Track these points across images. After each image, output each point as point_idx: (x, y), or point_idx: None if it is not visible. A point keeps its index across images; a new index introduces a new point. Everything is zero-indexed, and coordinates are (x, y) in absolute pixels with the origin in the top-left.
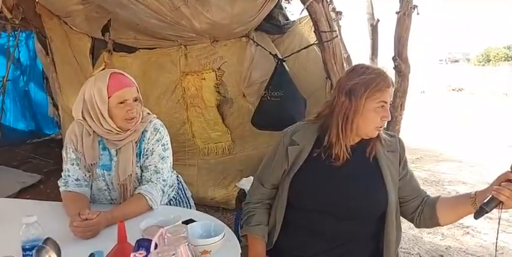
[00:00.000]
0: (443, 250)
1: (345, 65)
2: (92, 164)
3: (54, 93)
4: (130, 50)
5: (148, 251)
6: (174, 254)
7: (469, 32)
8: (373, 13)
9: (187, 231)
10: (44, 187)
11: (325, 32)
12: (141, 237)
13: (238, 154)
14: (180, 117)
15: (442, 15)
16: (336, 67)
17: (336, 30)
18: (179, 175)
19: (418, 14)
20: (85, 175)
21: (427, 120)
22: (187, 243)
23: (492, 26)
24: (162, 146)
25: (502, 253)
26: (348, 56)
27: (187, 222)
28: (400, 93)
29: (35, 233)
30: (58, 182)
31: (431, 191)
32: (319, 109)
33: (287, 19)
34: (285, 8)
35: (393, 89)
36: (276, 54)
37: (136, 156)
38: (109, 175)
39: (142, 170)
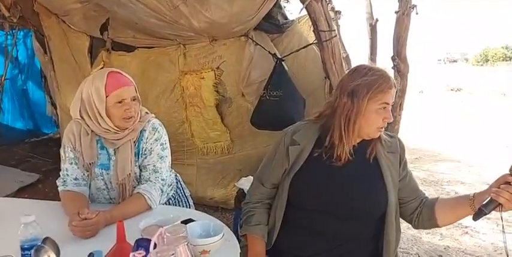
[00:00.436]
0: (442, 250)
1: (343, 64)
2: (90, 164)
3: (53, 92)
4: (129, 49)
5: (147, 251)
6: (173, 254)
7: (468, 32)
8: (372, 13)
9: (187, 231)
10: (42, 186)
11: (324, 31)
12: (140, 237)
13: (237, 154)
14: (179, 117)
15: (440, 15)
16: (334, 67)
17: (335, 30)
18: (178, 174)
19: (417, 13)
20: (83, 174)
21: (426, 120)
22: (186, 243)
23: (490, 26)
24: (160, 145)
25: (501, 253)
26: (347, 56)
27: (186, 222)
28: (399, 93)
29: (33, 233)
30: (56, 181)
31: (430, 191)
32: (320, 109)
33: (286, 18)
34: (284, 7)
35: (395, 91)
36: (275, 54)
37: (135, 155)
38: (107, 174)
39: (141, 170)
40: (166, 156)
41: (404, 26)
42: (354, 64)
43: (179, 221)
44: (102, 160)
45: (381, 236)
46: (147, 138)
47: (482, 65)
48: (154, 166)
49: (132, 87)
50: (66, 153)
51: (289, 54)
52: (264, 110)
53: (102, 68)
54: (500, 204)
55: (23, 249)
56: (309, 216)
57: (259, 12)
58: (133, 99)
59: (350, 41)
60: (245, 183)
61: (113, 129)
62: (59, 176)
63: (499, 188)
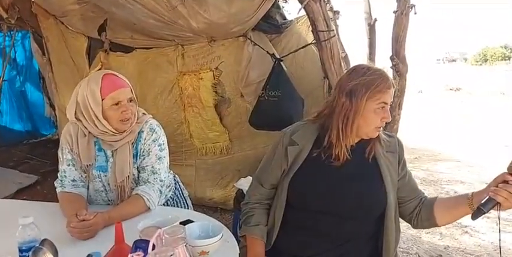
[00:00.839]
0: (442, 250)
1: (342, 64)
2: (87, 165)
3: (51, 93)
4: (127, 49)
5: (146, 252)
6: (172, 255)
7: (466, 32)
8: (370, 12)
9: (185, 232)
10: (41, 188)
11: (323, 31)
12: (139, 238)
13: (236, 154)
14: (178, 118)
15: (439, 14)
16: (333, 67)
17: (333, 30)
18: (176, 175)
19: (415, 13)
20: (81, 176)
21: (425, 120)
22: (185, 244)
23: (489, 25)
24: (158, 146)
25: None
26: (346, 56)
27: (185, 223)
28: (398, 92)
29: (31, 234)
30: (54, 182)
31: (430, 191)
32: (318, 109)
33: (284, 18)
34: (283, 7)
35: (393, 90)
36: (273, 54)
37: (133, 157)
38: (105, 176)
39: (139, 171)
40: (164, 157)
41: (403, 25)
42: (352, 64)
43: (178, 222)
44: (99, 162)
45: (381, 236)
46: (144, 139)
47: (481, 64)
48: (152, 167)
49: (128, 89)
50: (64, 154)
51: (288, 54)
52: (263, 110)
53: (100, 69)
54: (498, 203)
55: (21, 251)
56: (308, 216)
57: (258, 12)
58: (130, 101)
59: (349, 41)
60: (244, 183)
61: (111, 131)
62: (57, 177)
63: (497, 187)
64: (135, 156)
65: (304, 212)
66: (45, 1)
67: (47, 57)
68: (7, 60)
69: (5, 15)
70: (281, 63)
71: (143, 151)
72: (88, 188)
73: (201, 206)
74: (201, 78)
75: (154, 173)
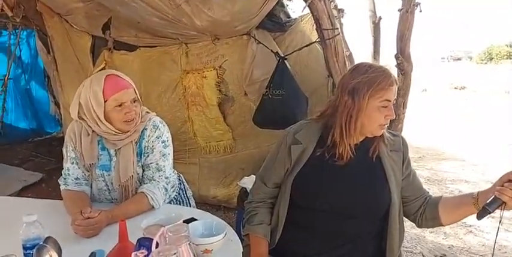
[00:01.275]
0: (446, 249)
1: (346, 63)
2: (90, 164)
3: (56, 91)
4: (131, 48)
5: (149, 250)
6: (175, 254)
7: (471, 30)
8: (375, 11)
9: (189, 230)
10: (46, 186)
11: (327, 29)
12: (142, 236)
13: (240, 153)
14: (181, 116)
15: (444, 13)
16: (337, 65)
17: (337, 28)
18: (181, 175)
19: (420, 11)
20: (84, 174)
21: (429, 118)
22: (188, 242)
23: (494, 23)
24: (162, 142)
25: (505, 252)
26: (350, 54)
27: (188, 221)
28: (403, 91)
29: (35, 232)
30: (58, 180)
31: (434, 190)
32: (322, 108)
33: (288, 17)
34: (287, 5)
35: (397, 88)
36: (277, 52)
37: (137, 155)
38: (108, 175)
39: (143, 169)
40: (168, 153)
41: (408, 23)
42: (356, 62)
43: (181, 221)
44: (103, 161)
45: (385, 235)
46: (148, 136)
47: (486, 63)
48: (157, 164)
49: (131, 90)
50: (68, 152)
51: (292, 52)
52: (267, 108)
53: (104, 67)
54: (504, 202)
55: (25, 248)
56: (312, 215)
57: (262, 10)
58: (134, 102)
59: (353, 39)
60: (248, 182)
61: (114, 131)
62: (62, 175)
63: (502, 186)
64: (139, 154)
65: (308, 211)
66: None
67: (51, 56)
68: (12, 58)
69: (10, 14)
70: (285, 61)
71: (147, 149)
72: (91, 187)
73: (204, 204)
74: (205, 77)
75: (159, 171)
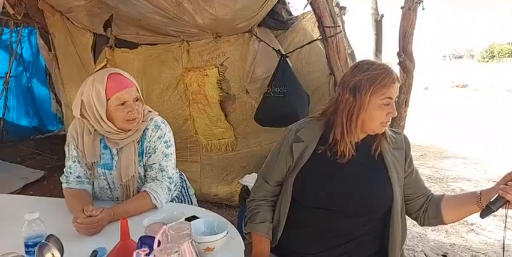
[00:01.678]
0: (448, 248)
1: (348, 61)
2: (92, 163)
3: (57, 89)
4: (132, 46)
5: (151, 248)
6: (177, 252)
7: (473, 28)
8: (377, 8)
9: (191, 228)
10: (48, 183)
11: (329, 27)
12: (144, 234)
13: (241, 151)
14: (183, 114)
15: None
16: (339, 63)
17: (339, 26)
18: (183, 173)
19: (423, 9)
20: (86, 173)
21: (431, 117)
22: (190, 240)
23: (496, 21)
24: (164, 143)
25: (507, 250)
26: (352, 52)
27: (190, 219)
28: (405, 89)
29: (37, 230)
30: (60, 178)
31: (436, 188)
32: (323, 106)
33: (290, 14)
34: (288, 3)
35: (399, 85)
36: (279, 50)
37: (139, 155)
38: (110, 174)
39: (146, 170)
40: (171, 153)
41: (411, 21)
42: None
43: (183, 219)
44: (105, 160)
45: (387, 234)
46: (150, 136)
47: (488, 61)
48: (160, 164)
49: (133, 89)
50: (70, 151)
51: (294, 50)
52: (268, 106)
53: (105, 65)
54: (508, 201)
55: (26, 246)
56: (314, 213)
57: (263, 8)
58: (136, 100)
59: (355, 37)
60: (249, 180)
61: (116, 131)
62: (63, 173)
63: (506, 185)
64: (141, 154)
65: (310, 209)
66: None
67: (53, 53)
68: (14, 56)
69: (11, 12)
70: (287, 59)
71: (149, 149)
72: (93, 185)
73: (206, 202)
74: (206, 75)
75: (162, 171)
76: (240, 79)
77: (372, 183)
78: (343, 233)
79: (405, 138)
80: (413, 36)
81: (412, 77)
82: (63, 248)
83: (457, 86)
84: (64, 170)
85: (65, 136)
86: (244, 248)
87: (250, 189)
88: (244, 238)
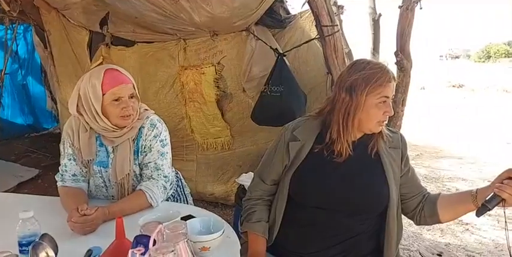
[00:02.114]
0: (443, 247)
1: (346, 60)
2: (88, 161)
3: (53, 86)
4: (128, 43)
5: (146, 247)
6: (173, 251)
7: (470, 28)
8: (375, 7)
9: (187, 227)
10: (42, 182)
11: (327, 26)
12: (140, 233)
13: (238, 149)
14: (179, 112)
15: (442, 10)
16: (336, 62)
17: (337, 25)
18: (179, 172)
19: (421, 8)
20: (82, 171)
21: (427, 116)
22: (186, 239)
23: (493, 22)
24: (160, 142)
25: (501, 250)
26: (349, 51)
27: (186, 218)
28: (402, 88)
29: (31, 229)
30: (55, 176)
31: (431, 188)
32: (320, 105)
33: (288, 13)
34: (286, 1)
35: (395, 84)
36: (276, 49)
37: (134, 153)
38: (106, 171)
39: (141, 168)
40: (167, 152)
41: (408, 21)
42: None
43: (179, 218)
44: (100, 157)
45: (383, 233)
46: (145, 135)
47: (484, 61)
48: (155, 163)
49: (130, 85)
50: (65, 149)
51: (291, 49)
52: (265, 105)
53: (101, 62)
54: (503, 199)
55: (20, 245)
56: (310, 212)
57: (261, 6)
58: (131, 97)
59: (353, 36)
60: (245, 179)
61: (111, 127)
62: (58, 171)
63: (502, 183)
64: (136, 152)
65: (306, 208)
66: None
67: (48, 51)
68: (9, 53)
69: (7, 8)
70: (284, 58)
71: (144, 147)
72: (89, 184)
73: (202, 201)
74: (203, 73)
75: (157, 169)
76: (237, 78)
77: (368, 182)
78: (339, 232)
79: (402, 137)
80: (410, 35)
81: (409, 76)
82: (57, 248)
83: (453, 86)
84: (59, 168)
85: (60, 134)
86: (240, 247)
87: (246, 188)
88: (240, 237)
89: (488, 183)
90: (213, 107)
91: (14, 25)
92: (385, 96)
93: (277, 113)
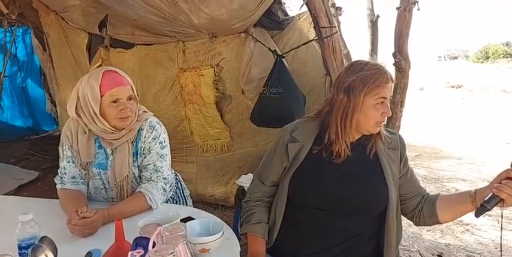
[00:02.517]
0: (443, 248)
1: (344, 61)
2: (87, 163)
3: (52, 89)
4: (127, 46)
5: (146, 249)
6: (172, 253)
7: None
8: (373, 9)
9: (186, 229)
10: (42, 184)
11: (325, 27)
12: (139, 235)
13: (237, 151)
14: (178, 114)
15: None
16: (335, 63)
17: (335, 26)
18: (178, 174)
19: (418, 9)
20: (81, 173)
21: (426, 117)
22: (185, 241)
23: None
24: (159, 144)
25: (502, 250)
26: (348, 52)
27: (185, 220)
28: (400, 89)
29: (31, 232)
30: (54, 179)
31: (431, 189)
32: (319, 106)
33: (286, 15)
34: (284, 3)
35: (393, 85)
36: (275, 50)
37: (133, 155)
38: (105, 173)
39: (141, 170)
40: (166, 154)
41: (406, 22)
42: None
43: (178, 220)
44: (99, 160)
45: (382, 234)
46: (144, 137)
47: (482, 62)
48: (154, 165)
49: (128, 87)
50: (64, 151)
51: (290, 50)
52: (264, 107)
53: (100, 65)
54: (502, 199)
55: (20, 248)
56: (310, 213)
57: (259, 8)
58: (130, 99)
59: (351, 37)
60: (245, 180)
61: (110, 129)
62: (58, 174)
63: (500, 183)
64: (135, 154)
65: (306, 210)
66: None
67: (47, 53)
68: (8, 56)
69: (6, 11)
70: (282, 59)
71: (143, 149)
72: (88, 186)
73: (201, 203)
74: (202, 75)
75: (157, 171)
76: (235, 79)
77: (367, 183)
78: (339, 233)
79: (400, 138)
80: (408, 36)
81: (408, 77)
82: (57, 250)
83: (452, 87)
84: (58, 171)
85: (59, 136)
86: (240, 249)
87: (246, 190)
88: (240, 239)
89: (488, 183)
90: (212, 109)
91: (13, 28)
92: (383, 97)
93: (276, 114)
